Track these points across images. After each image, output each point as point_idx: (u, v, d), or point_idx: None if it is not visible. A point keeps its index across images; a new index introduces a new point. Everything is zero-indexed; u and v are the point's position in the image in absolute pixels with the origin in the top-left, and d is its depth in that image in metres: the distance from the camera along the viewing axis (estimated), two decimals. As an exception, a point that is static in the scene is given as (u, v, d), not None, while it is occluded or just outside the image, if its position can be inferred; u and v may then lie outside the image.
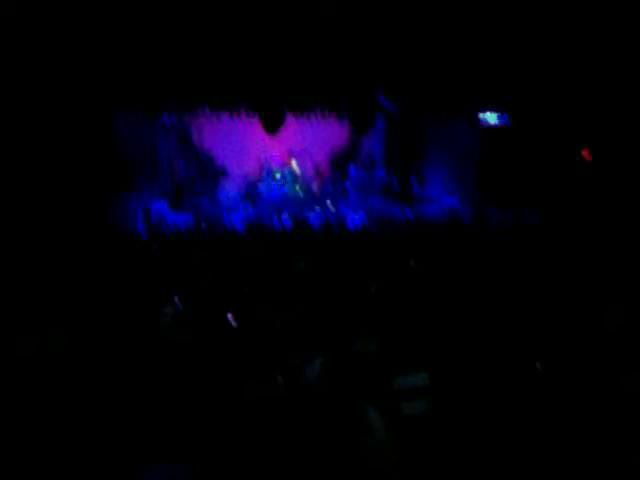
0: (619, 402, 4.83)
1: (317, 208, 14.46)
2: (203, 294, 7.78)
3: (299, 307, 6.77)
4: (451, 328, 6.15)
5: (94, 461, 4.27)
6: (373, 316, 6.49)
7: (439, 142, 15.61)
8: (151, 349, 6.13)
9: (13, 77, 11.52)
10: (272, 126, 15.18)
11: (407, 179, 15.69)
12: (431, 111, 14.99)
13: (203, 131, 15.10)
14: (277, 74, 13.25)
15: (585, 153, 13.81)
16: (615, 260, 9.34)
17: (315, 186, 15.62)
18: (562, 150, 13.93)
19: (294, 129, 15.60)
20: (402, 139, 15.90)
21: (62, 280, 8.27)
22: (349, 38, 12.84)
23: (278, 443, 4.09)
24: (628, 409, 4.73)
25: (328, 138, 16.04)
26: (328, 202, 14.78)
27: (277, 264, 9.53)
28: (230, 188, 15.26)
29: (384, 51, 13.09)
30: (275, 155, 15.54)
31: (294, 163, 15.54)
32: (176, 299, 7.15)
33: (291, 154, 15.63)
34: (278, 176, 15.25)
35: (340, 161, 16.04)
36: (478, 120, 14.65)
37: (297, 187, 15.30)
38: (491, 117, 14.63)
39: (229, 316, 6.46)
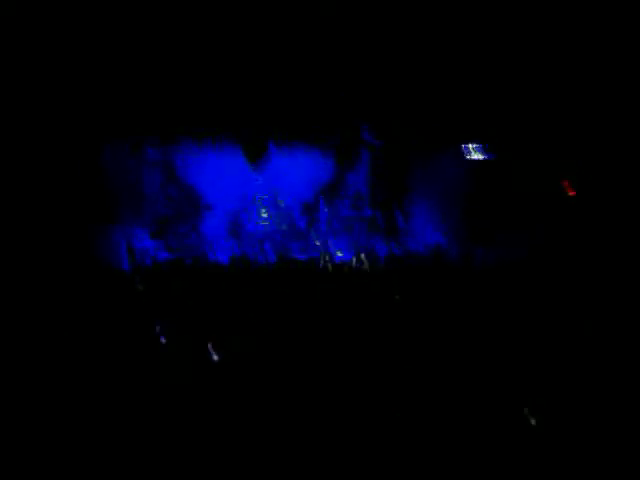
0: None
1: (302, 243, 14.53)
2: (186, 327, 7.94)
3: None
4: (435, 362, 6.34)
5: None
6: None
7: (425, 176, 15.59)
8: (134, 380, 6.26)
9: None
10: (256, 161, 15.24)
11: (392, 214, 15.70)
12: (415, 146, 15.01)
13: (188, 166, 15.06)
14: (261, 113, 13.48)
15: (568, 187, 13.98)
16: (604, 296, 9.55)
17: (300, 221, 15.56)
18: (548, 184, 14.07)
19: (279, 164, 15.54)
20: (387, 174, 15.84)
21: (43, 313, 8.33)
22: (331, 73, 13.10)
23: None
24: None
25: (313, 173, 15.91)
26: (313, 237, 14.85)
27: (261, 298, 9.71)
28: (215, 223, 15.16)
29: (367, 86, 13.33)
30: (261, 190, 15.51)
31: (278, 198, 15.54)
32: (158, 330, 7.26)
33: (275, 189, 15.61)
34: (264, 212, 15.27)
35: (324, 196, 15.89)
36: (462, 154, 14.79)
37: (282, 223, 15.32)
38: (475, 150, 14.84)
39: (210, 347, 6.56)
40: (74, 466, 5.14)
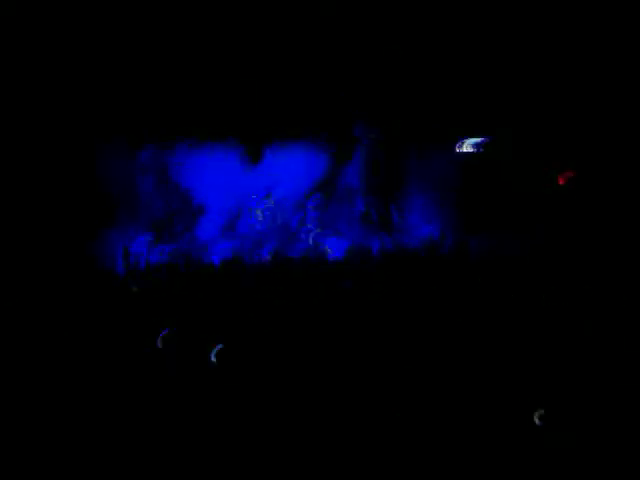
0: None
1: (296, 241, 14.63)
2: (182, 329, 8.06)
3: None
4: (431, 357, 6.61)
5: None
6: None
7: (419, 170, 15.58)
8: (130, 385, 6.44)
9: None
10: (253, 159, 15.27)
11: (386, 209, 15.81)
12: (409, 141, 15.15)
13: (183, 168, 15.20)
14: (255, 113, 13.57)
15: (562, 178, 14.05)
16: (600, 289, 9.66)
17: (294, 219, 15.66)
18: (542, 176, 14.15)
19: (274, 162, 15.60)
20: (381, 169, 15.93)
21: (38, 317, 8.47)
22: (324, 70, 13.20)
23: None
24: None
25: (308, 169, 15.94)
26: (307, 235, 14.96)
27: (256, 298, 9.82)
28: (209, 226, 15.25)
29: (362, 81, 13.44)
30: (256, 189, 15.61)
31: (272, 198, 15.69)
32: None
33: (272, 188, 15.73)
34: (259, 211, 15.38)
35: (318, 193, 15.92)
36: (456, 147, 14.90)
37: (276, 221, 15.43)
38: (468, 144, 14.95)
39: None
40: (65, 467, 5.27)
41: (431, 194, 15.47)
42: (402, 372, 6.69)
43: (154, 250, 14.12)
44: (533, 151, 13.92)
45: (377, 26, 13.16)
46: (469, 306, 9.01)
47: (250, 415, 5.99)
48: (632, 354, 6.89)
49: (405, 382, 6.48)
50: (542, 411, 5.31)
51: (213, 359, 6.93)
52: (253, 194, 15.62)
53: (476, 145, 14.87)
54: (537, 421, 5.29)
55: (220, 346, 6.96)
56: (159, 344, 7.50)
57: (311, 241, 14.76)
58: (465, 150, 14.95)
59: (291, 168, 15.86)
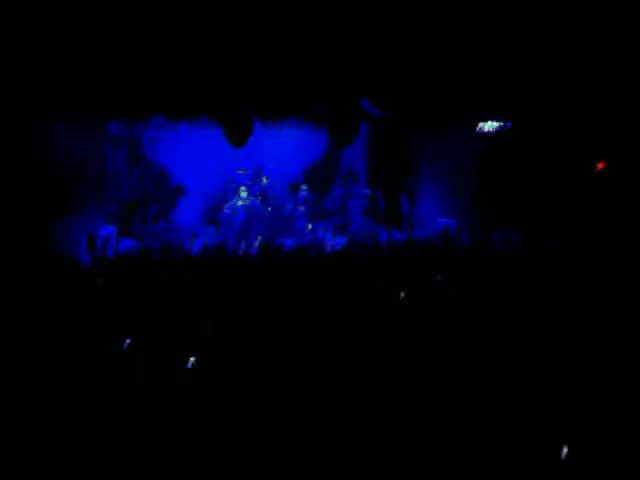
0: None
1: (290, 231, 14.56)
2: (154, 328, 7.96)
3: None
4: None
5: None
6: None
7: (432, 154, 15.68)
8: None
9: None
10: (238, 139, 15.09)
11: (395, 197, 15.85)
12: (423, 120, 14.86)
13: (158, 144, 15.27)
14: (244, 77, 13.24)
15: (600, 166, 14.03)
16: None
17: (288, 206, 15.75)
18: (574, 162, 14.13)
19: (264, 142, 15.69)
20: (389, 151, 16.09)
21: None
22: (326, 34, 12.97)
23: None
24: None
25: (303, 151, 16.21)
26: (302, 224, 14.93)
27: (242, 293, 9.74)
28: (189, 210, 15.34)
29: (367, 50, 13.21)
30: (241, 173, 15.68)
31: (264, 180, 15.72)
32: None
33: (260, 170, 15.78)
34: (245, 196, 15.32)
35: (317, 178, 16.17)
36: (477, 126, 14.87)
37: (267, 209, 15.45)
38: (490, 125, 14.91)
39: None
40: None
41: (447, 181, 15.59)
42: (406, 381, 6.68)
43: (123, 238, 14.04)
44: (564, 134, 13.89)
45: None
46: (489, 310, 8.93)
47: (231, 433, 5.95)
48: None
49: (407, 388, 6.54)
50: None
51: (190, 361, 6.85)
52: (239, 170, 15.67)
53: (499, 127, 14.83)
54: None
55: (193, 359, 6.87)
56: (127, 343, 7.42)
57: (306, 232, 14.74)
58: (487, 130, 14.91)
59: (285, 146, 15.97)
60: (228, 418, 5.95)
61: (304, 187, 15.94)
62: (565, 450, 5.10)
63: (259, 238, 14.03)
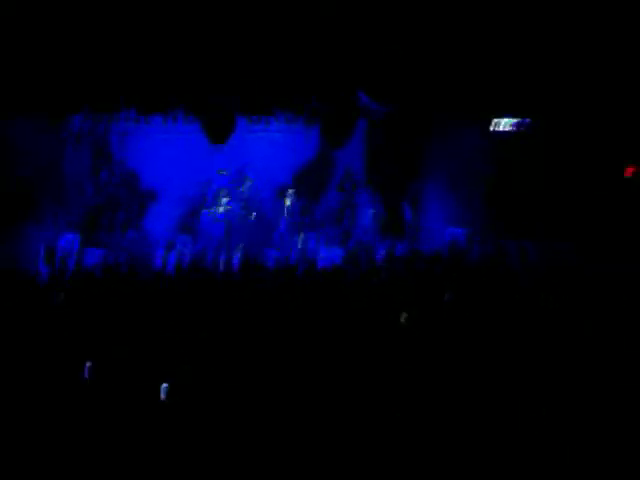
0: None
1: (277, 243, 14.52)
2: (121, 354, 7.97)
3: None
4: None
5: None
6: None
7: (440, 156, 15.67)
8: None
9: None
10: (219, 135, 15.20)
11: (397, 205, 15.86)
12: (429, 115, 15.05)
13: (127, 141, 15.26)
14: (227, 64, 13.31)
15: (630, 170, 14.04)
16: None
17: (275, 214, 15.70)
18: (601, 165, 14.10)
19: (248, 140, 15.71)
20: (390, 152, 16.04)
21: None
22: (320, 20, 13.01)
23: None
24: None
25: (293, 151, 16.14)
26: (292, 235, 14.91)
27: (222, 314, 9.73)
28: (163, 217, 15.27)
29: (366, 35, 13.26)
30: (224, 175, 15.66)
31: (248, 184, 15.70)
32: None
33: (244, 173, 15.76)
34: (226, 201, 15.35)
35: (309, 182, 16.10)
36: (491, 125, 14.90)
37: (251, 216, 15.45)
38: (506, 123, 14.93)
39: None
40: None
41: (456, 186, 15.51)
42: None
43: (87, 249, 13.96)
44: (590, 132, 13.91)
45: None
46: (508, 336, 8.95)
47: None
48: None
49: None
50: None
51: (163, 397, 6.86)
52: (220, 170, 15.60)
53: (516, 124, 14.85)
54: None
55: (167, 385, 6.89)
56: (87, 374, 7.41)
57: (298, 243, 14.71)
58: (502, 129, 14.94)
59: (272, 145, 15.92)
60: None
61: (294, 192, 15.88)
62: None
63: (242, 250, 13.94)
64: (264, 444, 6.17)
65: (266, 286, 11.65)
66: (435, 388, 7.27)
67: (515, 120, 14.99)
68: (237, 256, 13.44)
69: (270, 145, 15.99)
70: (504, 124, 14.99)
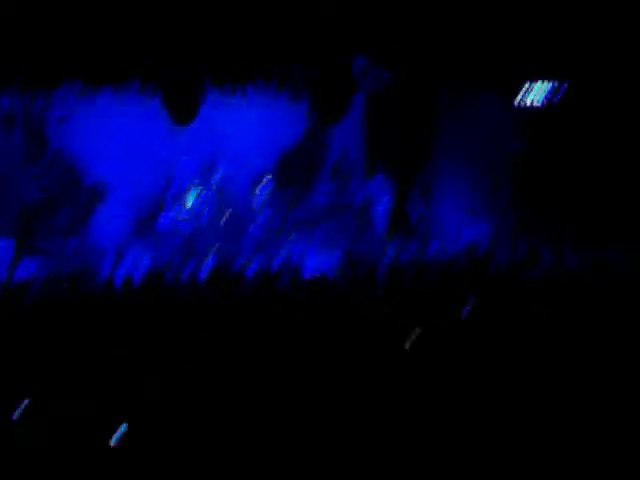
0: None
1: (253, 244, 14.57)
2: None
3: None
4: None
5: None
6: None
7: (456, 134, 15.77)
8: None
9: None
10: (182, 112, 14.96)
11: (404, 195, 15.92)
12: (443, 83, 15.12)
13: (68, 124, 15.08)
14: (191, 21, 13.27)
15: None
16: None
17: (253, 211, 15.66)
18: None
19: (220, 117, 15.63)
20: (395, 130, 16.06)
21: None
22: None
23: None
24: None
25: (275, 131, 16.12)
26: (272, 234, 15.00)
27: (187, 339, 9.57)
28: (113, 218, 15.16)
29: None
30: (188, 162, 15.58)
31: (219, 174, 15.60)
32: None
33: (215, 159, 15.70)
34: (192, 197, 15.28)
35: (295, 168, 16.16)
36: (517, 97, 14.80)
37: (224, 214, 15.35)
38: (535, 93, 14.78)
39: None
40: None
41: (477, 172, 15.62)
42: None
43: (21, 256, 13.96)
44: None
45: None
46: (536, 360, 8.83)
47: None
48: None
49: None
50: None
51: (113, 444, 6.77)
52: (186, 167, 15.53)
53: (548, 95, 14.74)
54: None
55: (125, 427, 6.84)
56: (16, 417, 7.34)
57: (281, 250, 14.60)
58: (529, 103, 14.83)
59: (245, 129, 15.89)
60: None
61: (270, 179, 15.90)
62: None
63: (212, 258, 13.87)
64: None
65: (241, 303, 11.67)
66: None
67: (551, 85, 14.91)
68: (206, 266, 13.45)
69: (247, 123, 15.93)
70: (537, 92, 14.91)
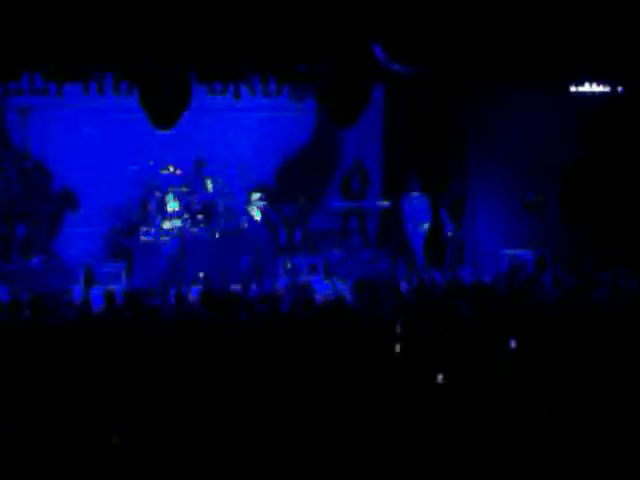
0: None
1: (252, 262, 14.60)
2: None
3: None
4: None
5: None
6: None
7: (492, 140, 15.76)
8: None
9: None
10: (165, 113, 15.02)
11: (427, 207, 15.98)
12: (475, 80, 14.93)
13: (31, 122, 15.27)
14: (176, 8, 13.38)
15: None
16: None
17: (250, 225, 15.70)
18: None
19: (209, 120, 15.85)
20: (420, 136, 16.04)
21: None
22: None
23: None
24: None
25: (276, 136, 16.28)
26: (274, 252, 15.13)
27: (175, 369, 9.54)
28: (83, 234, 15.26)
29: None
30: (174, 173, 15.68)
31: (209, 186, 15.72)
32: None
33: (202, 168, 15.80)
34: (176, 207, 15.33)
35: (299, 177, 16.29)
36: (565, 94, 14.80)
37: (214, 233, 15.41)
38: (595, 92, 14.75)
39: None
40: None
41: (518, 186, 15.58)
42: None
43: None
44: None
45: None
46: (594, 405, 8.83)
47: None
48: None
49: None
50: None
51: None
52: (164, 169, 15.62)
53: (606, 94, 14.78)
54: None
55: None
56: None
57: (288, 265, 14.86)
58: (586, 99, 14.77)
59: (243, 130, 16.12)
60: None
61: (261, 197, 15.93)
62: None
63: (201, 284, 13.96)
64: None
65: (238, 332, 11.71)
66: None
67: (602, 89, 14.95)
68: (195, 291, 13.46)
69: (241, 127, 16.12)
70: (589, 93, 15.00)
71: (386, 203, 16.42)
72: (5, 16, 12.84)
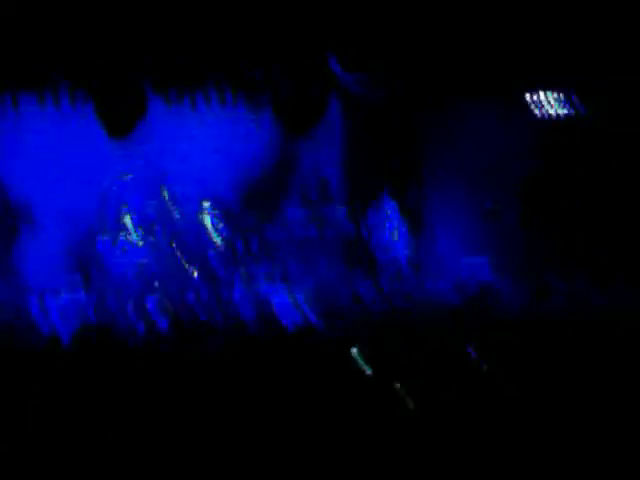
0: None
1: (212, 285, 14.55)
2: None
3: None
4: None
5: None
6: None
7: (450, 149, 15.79)
8: None
9: None
10: (121, 123, 15.14)
11: (386, 222, 16.02)
12: (432, 89, 15.14)
13: None
14: (130, 15, 13.53)
15: None
16: None
17: (208, 244, 15.71)
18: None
19: (166, 129, 15.75)
20: (378, 144, 16.13)
21: None
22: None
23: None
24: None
25: (234, 146, 16.20)
26: (233, 273, 15.02)
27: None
28: (41, 252, 15.11)
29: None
30: (130, 183, 15.60)
31: (166, 196, 15.69)
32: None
33: (159, 178, 15.76)
34: (134, 222, 15.32)
35: (259, 192, 16.19)
36: (526, 107, 14.97)
37: (171, 244, 15.42)
38: (551, 101, 14.96)
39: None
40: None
41: (476, 194, 15.72)
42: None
43: None
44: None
45: None
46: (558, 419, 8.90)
47: None
48: None
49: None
50: None
51: None
52: (129, 193, 15.53)
53: (565, 103, 15.05)
54: None
55: None
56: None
57: (245, 285, 14.77)
58: (545, 112, 15.04)
59: (201, 140, 16.01)
60: None
61: (210, 205, 16.00)
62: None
63: (160, 300, 13.94)
64: None
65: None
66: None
67: (558, 96, 15.20)
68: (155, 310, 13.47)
69: (199, 137, 16.07)
70: (544, 104, 15.18)
71: (344, 210, 16.40)
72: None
